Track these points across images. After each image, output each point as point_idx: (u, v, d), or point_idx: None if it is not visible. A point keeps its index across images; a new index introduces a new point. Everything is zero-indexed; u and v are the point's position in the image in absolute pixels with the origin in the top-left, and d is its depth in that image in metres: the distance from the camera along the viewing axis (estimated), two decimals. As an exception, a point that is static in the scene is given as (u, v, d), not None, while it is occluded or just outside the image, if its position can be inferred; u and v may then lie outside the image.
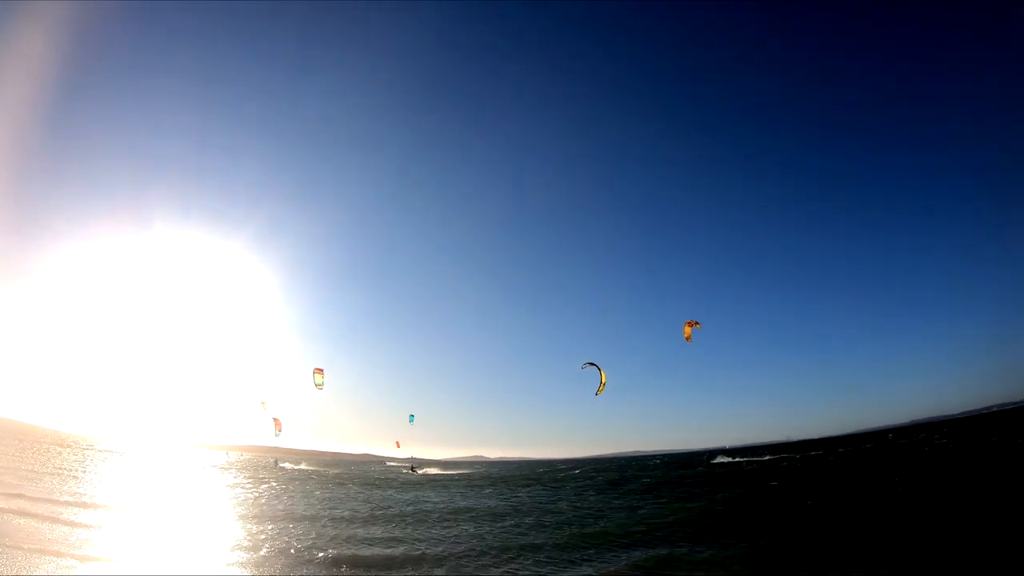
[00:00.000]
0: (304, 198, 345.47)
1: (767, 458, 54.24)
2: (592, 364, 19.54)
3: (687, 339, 20.62)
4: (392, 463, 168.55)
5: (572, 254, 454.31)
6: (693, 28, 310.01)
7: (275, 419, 33.97)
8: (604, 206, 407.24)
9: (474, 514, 19.22)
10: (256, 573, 10.39)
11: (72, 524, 13.40)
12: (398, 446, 57.96)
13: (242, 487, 30.36)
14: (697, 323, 20.63)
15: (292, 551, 12.08)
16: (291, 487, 32.48)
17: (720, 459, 57.24)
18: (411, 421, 47.77)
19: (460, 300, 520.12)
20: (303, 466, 77.07)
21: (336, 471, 63.84)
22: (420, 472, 57.96)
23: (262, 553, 11.89)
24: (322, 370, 29.71)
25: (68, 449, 54.91)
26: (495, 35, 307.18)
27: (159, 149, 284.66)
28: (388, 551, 12.53)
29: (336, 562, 11.28)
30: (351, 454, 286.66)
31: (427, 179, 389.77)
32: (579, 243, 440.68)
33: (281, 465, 75.81)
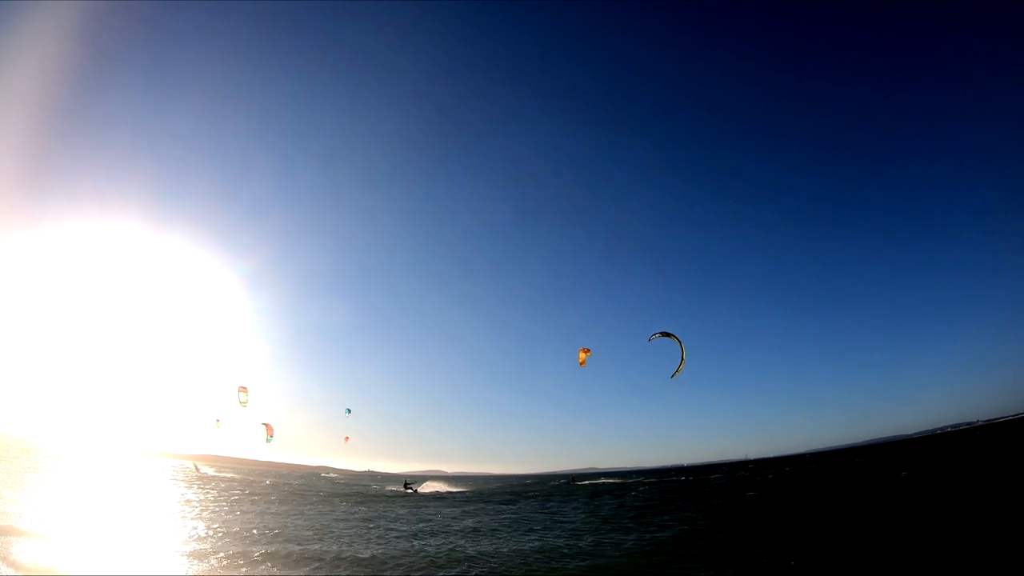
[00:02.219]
0: (277, 207, 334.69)
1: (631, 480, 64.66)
2: (668, 335, 15.77)
3: (581, 364, 21.76)
4: (332, 474, 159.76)
5: (533, 266, 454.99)
6: (677, 39, 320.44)
7: (266, 424, 31.88)
8: (569, 216, 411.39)
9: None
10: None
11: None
12: (346, 440, 60.59)
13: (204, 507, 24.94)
14: (588, 350, 21.91)
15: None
16: (247, 507, 27.16)
17: (583, 481, 66.98)
18: (347, 413, 51.00)
19: (419, 315, 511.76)
20: (229, 474, 72.35)
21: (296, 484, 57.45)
22: (419, 489, 47.57)
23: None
24: (246, 388, 28.96)
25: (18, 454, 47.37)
26: (478, 52, 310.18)
27: (121, 146, 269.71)
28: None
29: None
30: (308, 466, 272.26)
31: (402, 191, 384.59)
32: (538, 255, 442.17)
33: (202, 471, 74.60)
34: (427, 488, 49.43)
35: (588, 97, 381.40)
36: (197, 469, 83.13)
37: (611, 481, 66.34)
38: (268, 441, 32.16)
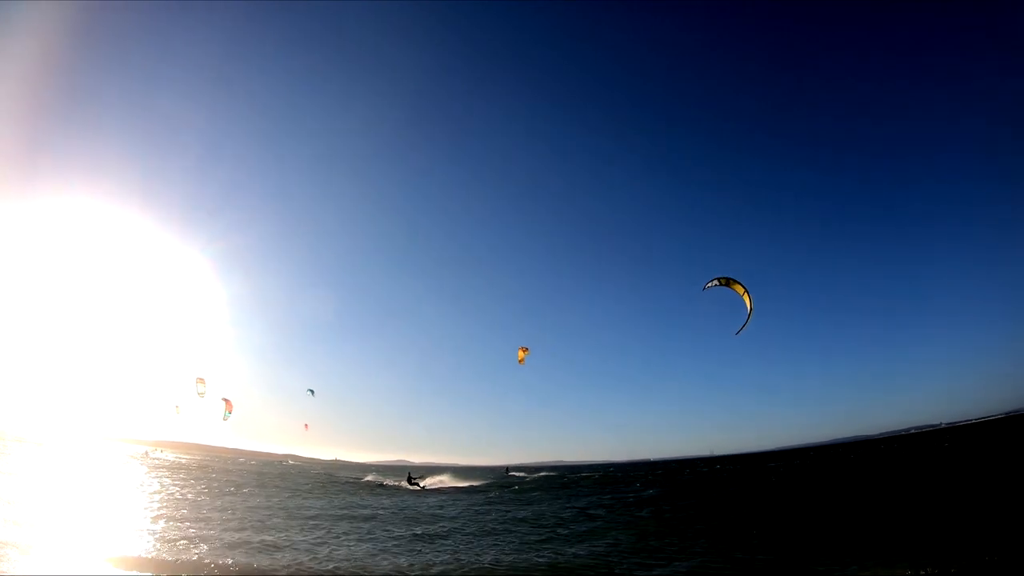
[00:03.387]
0: (256, 193, 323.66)
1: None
2: (730, 283, 12.68)
3: (520, 362, 22.55)
4: (298, 462, 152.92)
5: (522, 264, 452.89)
6: (677, 39, 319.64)
7: (226, 400, 31.03)
8: (561, 213, 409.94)
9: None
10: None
11: None
12: (306, 428, 60.29)
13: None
14: (527, 349, 22.81)
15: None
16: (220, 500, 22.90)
17: (515, 474, 69.06)
18: (311, 394, 48.62)
19: (395, 308, 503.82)
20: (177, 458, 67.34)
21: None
22: (424, 485, 38.65)
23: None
24: (204, 379, 29.46)
25: None
26: (475, 49, 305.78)
27: (86, 118, 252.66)
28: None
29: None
30: (273, 453, 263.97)
31: (387, 182, 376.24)
32: (526, 252, 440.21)
33: (153, 456, 72.91)
34: (430, 482, 41.22)
35: (584, 96, 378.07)
36: (148, 455, 79.20)
37: (590, 475, 65.06)
38: (226, 417, 30.77)
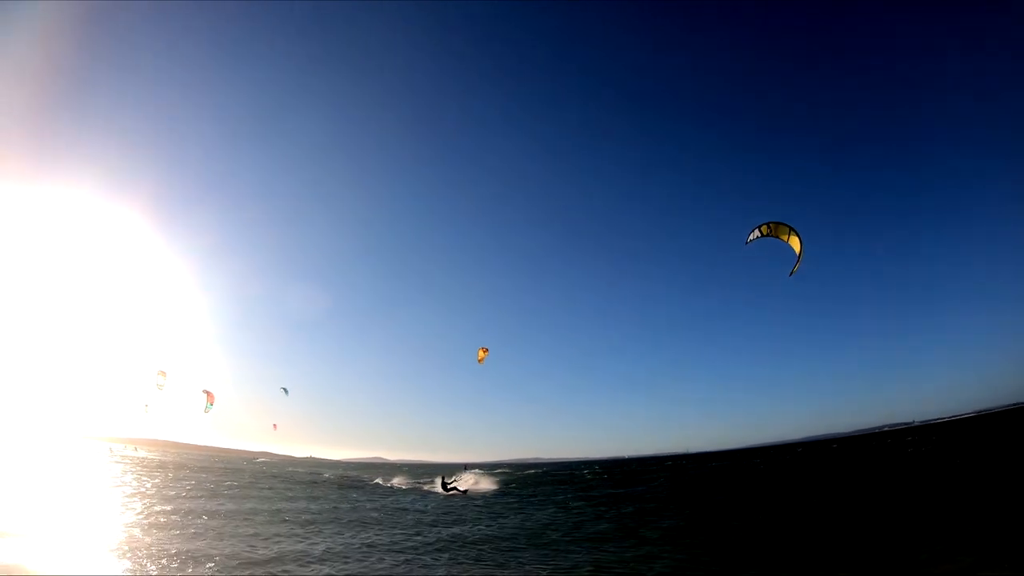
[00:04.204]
0: (243, 190, 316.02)
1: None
2: (772, 229, 11.48)
3: (480, 362, 22.72)
4: (265, 459, 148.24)
5: (515, 264, 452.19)
6: (676, 38, 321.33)
7: (207, 392, 30.57)
8: (547, 211, 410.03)
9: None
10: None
11: None
12: (275, 428, 59.36)
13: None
14: (487, 349, 22.80)
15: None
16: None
17: (504, 470, 69.55)
18: (285, 393, 47.80)
19: (372, 302, 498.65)
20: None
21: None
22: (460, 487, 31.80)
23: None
24: (165, 372, 29.42)
25: None
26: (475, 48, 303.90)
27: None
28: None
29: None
30: (247, 451, 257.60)
31: (379, 182, 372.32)
32: (515, 251, 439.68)
33: (120, 454, 70.76)
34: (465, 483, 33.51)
35: (582, 95, 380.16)
36: (112, 452, 77.61)
37: (577, 471, 64.13)
38: (208, 409, 30.44)
